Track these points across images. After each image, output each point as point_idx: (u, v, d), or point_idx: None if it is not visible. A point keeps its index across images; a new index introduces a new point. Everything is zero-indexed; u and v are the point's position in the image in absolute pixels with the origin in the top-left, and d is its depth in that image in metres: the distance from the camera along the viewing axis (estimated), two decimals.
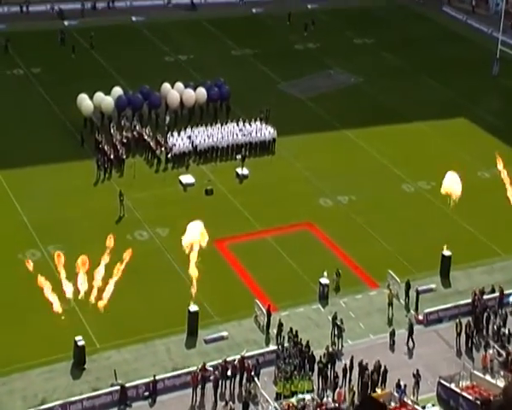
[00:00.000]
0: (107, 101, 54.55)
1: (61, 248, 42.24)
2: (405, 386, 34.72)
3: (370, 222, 47.12)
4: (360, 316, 40.11)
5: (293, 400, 34.50)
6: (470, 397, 34.69)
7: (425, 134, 57.79)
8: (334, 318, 38.60)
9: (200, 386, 34.77)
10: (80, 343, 35.54)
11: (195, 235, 37.21)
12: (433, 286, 42.24)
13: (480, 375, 36.01)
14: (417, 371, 35.47)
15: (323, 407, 34.24)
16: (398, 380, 34.98)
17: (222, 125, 54.21)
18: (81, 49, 67.00)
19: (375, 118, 59.00)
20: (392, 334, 38.51)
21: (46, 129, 54.30)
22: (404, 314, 40.38)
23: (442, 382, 35.48)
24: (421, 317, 39.81)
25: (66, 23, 71.88)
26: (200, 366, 35.05)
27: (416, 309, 40.53)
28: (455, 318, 39.42)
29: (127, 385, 34.33)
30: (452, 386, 35.25)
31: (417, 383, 35.35)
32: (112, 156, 50.30)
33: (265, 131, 54.38)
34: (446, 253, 42.96)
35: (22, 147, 51.70)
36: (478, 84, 65.65)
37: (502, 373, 35.97)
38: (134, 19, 74.61)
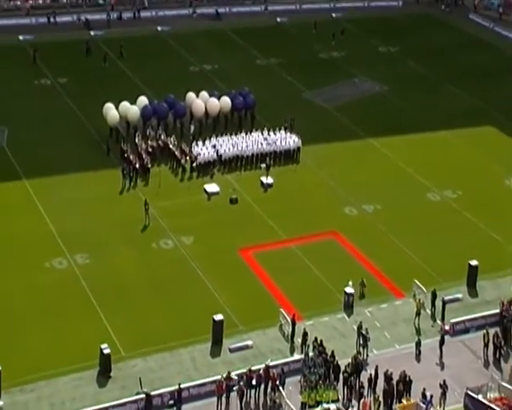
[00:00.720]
0: (132, 110, 54.87)
1: (88, 257, 42.82)
2: (432, 397, 34.46)
3: (396, 231, 46.91)
4: (385, 326, 39.89)
5: (318, 409, 34.36)
6: (498, 409, 34.32)
7: (451, 142, 57.47)
8: (360, 327, 38.42)
9: (224, 395, 34.74)
10: (106, 351, 35.65)
11: None
12: (459, 296, 41.92)
13: (509, 386, 35.64)
14: (444, 381, 35.19)
15: None
16: (424, 390, 34.75)
17: (246, 135, 54.31)
18: (107, 58, 67.41)
19: (399, 126, 58.80)
20: (418, 344, 38.25)
21: (73, 138, 54.70)
22: (431, 324, 40.09)
23: (469, 393, 35.14)
24: (447, 327, 39.50)
25: (92, 33, 72.45)
26: (225, 375, 35.03)
27: (443, 319, 40.23)
28: (482, 328, 39.08)
29: (152, 393, 34.38)
30: (480, 397, 34.90)
31: (444, 394, 35.05)
32: (137, 165, 50.56)
33: (290, 140, 54.38)
34: (473, 262, 42.62)
35: (49, 156, 52.13)
36: (505, 92, 65.22)
37: None
38: (159, 29, 75.05)
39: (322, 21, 77.73)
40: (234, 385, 34.82)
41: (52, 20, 74.87)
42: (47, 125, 56.21)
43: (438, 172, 53.33)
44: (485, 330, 38.45)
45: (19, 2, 76.45)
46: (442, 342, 38.19)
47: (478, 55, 72.56)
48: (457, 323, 39.63)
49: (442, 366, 37.72)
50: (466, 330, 39.67)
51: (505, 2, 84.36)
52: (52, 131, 55.34)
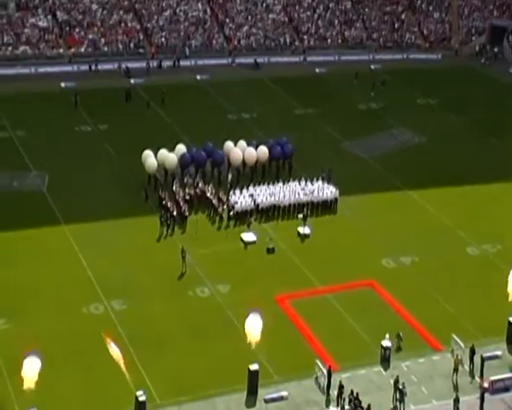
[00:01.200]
0: (170, 158, 55.35)
1: (124, 303, 42.92)
2: None
3: (434, 284, 46.42)
4: (423, 380, 39.29)
5: None
6: None
7: (490, 196, 56.96)
8: (396, 381, 37.88)
9: None
10: (141, 398, 35.53)
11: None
12: (498, 353, 41.15)
13: None
14: None
15: None
16: None
17: (284, 184, 54.42)
18: (147, 106, 68.32)
19: (438, 178, 58.55)
20: (456, 401, 37.54)
21: (112, 185, 55.29)
22: (469, 381, 39.38)
23: None
24: (486, 384, 38.75)
25: (132, 81, 73.56)
26: None
27: (481, 376, 39.50)
28: None
29: None
30: None
31: None
32: (175, 213, 50.85)
33: (327, 191, 54.37)
34: None
35: (88, 202, 52.68)
36: None
37: None
38: (198, 77, 75.99)
39: (361, 73, 78.13)
40: None
41: (93, 67, 76.26)
42: (87, 171, 56.91)
43: (477, 225, 52.84)
44: None
45: (61, 50, 78.05)
46: (482, 400, 37.41)
47: None
48: (497, 381, 38.83)
49: None
50: (506, 389, 38.86)
51: None
52: (92, 178, 56.01)
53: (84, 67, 76.14)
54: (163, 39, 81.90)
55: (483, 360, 39.87)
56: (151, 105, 68.20)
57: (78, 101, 67.31)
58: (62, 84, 71.62)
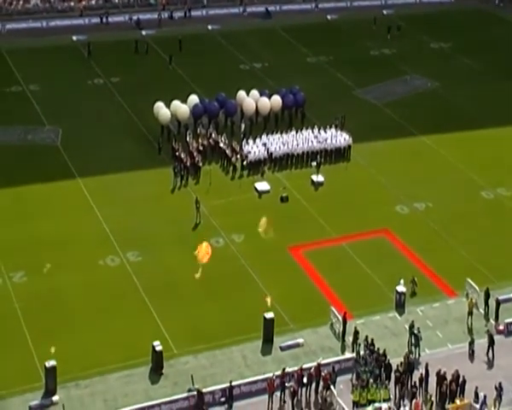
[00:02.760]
0: (183, 109, 55.26)
1: (139, 255, 43.29)
2: (485, 397, 34.03)
3: (448, 229, 46.43)
4: (437, 325, 39.55)
5: (370, 408, 34.24)
6: None
7: (505, 140, 56.59)
8: (411, 326, 38.14)
9: (276, 393, 34.81)
10: (158, 348, 36.04)
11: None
12: None
13: None
14: (500, 384, 34.64)
15: None
16: (476, 388, 34.36)
17: (297, 133, 54.27)
18: (159, 57, 68.10)
19: (452, 123, 58.17)
20: (471, 343, 37.81)
21: (125, 137, 55.36)
22: (484, 324, 39.60)
23: None
24: (501, 327, 38.94)
25: (143, 33, 73.10)
26: (279, 373, 35.08)
27: (496, 319, 39.69)
28: None
29: (204, 390, 34.64)
30: None
31: (500, 396, 34.50)
32: (188, 164, 50.94)
33: (341, 138, 54.19)
34: None
35: (102, 155, 52.85)
36: None
37: None
38: (210, 27, 75.41)
39: (373, 18, 77.23)
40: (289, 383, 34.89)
41: (104, 20, 75.80)
42: (100, 124, 56.98)
43: (491, 169, 52.61)
44: None
45: (72, 3, 77.59)
46: (492, 342, 37.61)
47: None
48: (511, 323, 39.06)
49: (496, 366, 37.18)
50: None
51: None
52: (105, 131, 56.08)
53: (95, 20, 75.71)
54: None
55: (498, 302, 39.97)
56: (162, 57, 67.82)
57: (92, 50, 66.98)
58: (74, 38, 71.32)
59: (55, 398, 34.48)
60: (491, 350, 37.61)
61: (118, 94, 61.55)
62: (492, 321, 39.65)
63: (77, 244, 44.10)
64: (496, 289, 41.08)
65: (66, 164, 51.73)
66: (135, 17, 75.92)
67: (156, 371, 36.05)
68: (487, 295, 40.22)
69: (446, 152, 54.64)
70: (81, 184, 49.61)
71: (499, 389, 34.58)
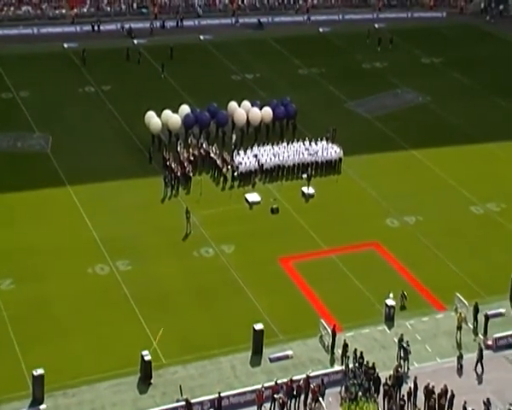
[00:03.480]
0: (174, 118, 55.23)
1: (129, 264, 43.15)
2: None
3: (438, 243, 46.53)
4: (426, 339, 39.54)
5: None
6: None
7: (494, 155, 56.89)
8: (400, 340, 38.15)
9: (265, 404, 34.70)
10: (147, 358, 35.85)
11: None
12: (502, 310, 41.39)
13: None
14: (488, 399, 34.68)
15: None
16: (464, 403, 34.36)
17: (288, 144, 54.33)
18: (150, 66, 68.10)
19: (442, 138, 58.40)
20: (460, 358, 37.86)
21: (115, 146, 55.28)
22: (473, 338, 39.66)
23: None
24: (490, 342, 39.02)
25: (135, 42, 73.11)
26: (268, 385, 35.00)
27: (485, 333, 39.77)
28: None
29: (192, 401, 34.48)
30: None
31: None
32: (179, 174, 50.88)
33: (331, 151, 54.28)
34: None
35: (92, 163, 52.70)
36: None
37: None
38: (202, 37, 75.53)
39: (366, 32, 77.62)
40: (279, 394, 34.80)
41: (96, 28, 75.80)
42: (90, 132, 56.86)
43: (481, 184, 52.81)
44: None
45: (64, 11, 77.55)
46: (481, 357, 37.71)
47: None
48: (500, 338, 39.12)
49: (484, 380, 37.25)
50: (509, 346, 39.15)
51: None
52: (95, 139, 55.96)
53: (87, 28, 75.75)
54: None
55: (487, 317, 40.06)
56: (154, 66, 67.81)
57: (86, 58, 67.03)
58: (65, 45, 71.30)
59: (43, 407, 34.21)
60: (480, 364, 37.63)
61: (109, 102, 61.49)
62: (481, 336, 39.71)
63: (66, 252, 43.91)
64: (485, 303, 41.17)
65: (56, 171, 51.57)
66: (127, 26, 75.99)
67: (145, 381, 35.86)
68: (476, 310, 40.29)
69: (437, 166, 54.82)
70: (71, 191, 49.43)
71: (487, 403, 34.62)
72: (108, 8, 79.04)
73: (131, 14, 79.24)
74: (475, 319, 40.25)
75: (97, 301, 40.45)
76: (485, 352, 38.14)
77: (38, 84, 63.02)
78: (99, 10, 78.64)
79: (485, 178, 53.66)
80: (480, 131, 59.59)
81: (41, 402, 34.32)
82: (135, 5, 79.99)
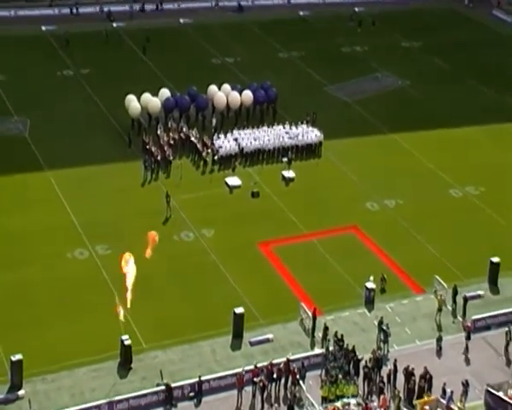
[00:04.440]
0: (154, 102, 54.92)
1: (109, 248, 42.94)
2: (452, 392, 34.32)
3: (417, 227, 46.70)
4: (406, 321, 39.76)
5: (339, 404, 34.33)
6: None
7: (473, 139, 57.12)
8: (380, 322, 38.33)
9: (245, 388, 34.76)
10: (127, 342, 35.78)
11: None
12: (481, 293, 41.70)
13: None
14: (466, 380, 34.98)
15: None
16: (444, 385, 34.62)
17: (268, 128, 54.23)
18: (130, 50, 67.65)
19: (422, 122, 58.50)
20: (439, 340, 38.11)
21: (95, 130, 54.88)
22: (452, 320, 39.92)
23: (490, 390, 34.98)
24: (468, 324, 39.29)
25: (114, 25, 72.50)
26: (249, 368, 35.04)
27: (464, 316, 40.04)
28: (503, 325, 38.92)
29: (173, 385, 34.48)
30: (500, 394, 34.72)
31: (466, 392, 34.84)
32: (159, 157, 50.65)
33: (312, 134, 54.25)
34: (495, 259, 42.36)
35: (71, 147, 52.36)
36: None
37: None
38: (182, 21, 75.08)
39: (346, 15, 77.55)
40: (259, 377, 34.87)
41: (75, 11, 75.08)
42: (69, 116, 56.41)
43: (460, 168, 52.99)
44: (507, 328, 38.23)
45: None
46: (468, 338, 38.03)
47: (501, 51, 72.09)
48: (479, 320, 39.42)
49: (463, 362, 37.54)
50: (487, 327, 39.49)
51: None
52: (74, 123, 55.54)
53: (65, 10, 75.04)
54: None
55: (466, 299, 40.33)
56: (134, 50, 67.35)
57: (69, 39, 66.59)
58: (43, 28, 70.56)
59: (21, 392, 34.08)
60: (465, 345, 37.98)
61: (88, 86, 61.03)
62: (460, 318, 39.98)
63: (45, 237, 43.66)
64: (463, 286, 41.45)
65: (34, 156, 51.20)
66: (106, 9, 75.28)
67: (125, 366, 35.80)
68: (455, 292, 40.57)
69: (416, 150, 54.97)
70: (50, 176, 49.13)
71: (465, 384, 34.91)
72: None
73: None
74: (454, 301, 40.53)
75: (77, 286, 40.26)
76: (463, 334, 38.43)
77: (16, 68, 62.39)
78: None
79: (465, 162, 53.86)
80: (460, 116, 59.74)
81: (19, 388, 34.18)
82: None
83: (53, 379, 34.84)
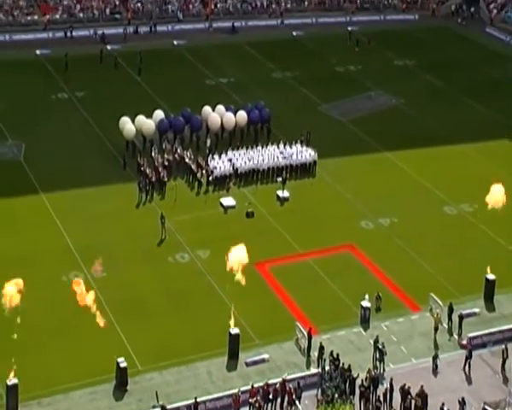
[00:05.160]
0: (148, 124, 55.10)
1: (104, 271, 42.88)
2: None
3: (412, 244, 46.77)
4: (402, 340, 39.73)
5: None
6: None
7: (467, 156, 57.31)
8: (376, 341, 38.30)
9: (241, 409, 34.70)
10: (122, 365, 35.72)
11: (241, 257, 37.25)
12: (476, 310, 41.71)
13: None
14: (463, 398, 34.92)
15: None
16: (442, 404, 34.54)
17: (262, 148, 54.38)
18: (124, 72, 67.94)
19: (416, 140, 58.68)
20: (435, 358, 38.06)
21: (89, 152, 55.01)
22: (447, 338, 39.90)
23: (487, 408, 34.92)
24: (464, 341, 39.25)
25: (108, 47, 72.82)
26: (245, 389, 34.98)
27: (460, 334, 40.01)
28: (499, 342, 38.91)
29: (169, 407, 34.37)
30: None
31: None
32: (153, 179, 50.75)
33: (306, 154, 54.42)
34: (490, 276, 42.40)
35: (66, 170, 52.43)
36: None
37: None
38: (176, 43, 75.44)
39: (339, 35, 78.02)
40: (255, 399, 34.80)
41: (69, 34, 75.44)
42: (64, 139, 56.55)
43: (454, 185, 53.14)
44: (503, 346, 38.20)
45: (36, 17, 77.11)
46: (470, 357, 37.95)
47: (495, 68, 72.55)
48: (475, 337, 39.37)
49: (459, 380, 37.48)
50: (483, 345, 39.44)
51: None
52: (69, 146, 55.67)
53: (60, 34, 75.34)
54: (139, 4, 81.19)
55: (462, 317, 40.32)
56: (128, 72, 67.62)
57: (68, 62, 66.86)
58: (38, 52, 70.87)
59: None
60: (467, 364, 37.91)
61: (82, 109, 61.23)
62: (456, 336, 39.96)
63: (40, 260, 43.64)
64: (459, 303, 41.45)
65: (29, 179, 51.24)
66: (100, 32, 75.66)
67: (120, 388, 35.72)
68: (451, 310, 40.56)
69: (410, 168, 55.14)
70: (44, 199, 49.15)
71: (462, 403, 34.86)
72: (81, 15, 78.70)
73: (104, 19, 78.90)
74: (450, 319, 40.51)
75: (72, 309, 40.05)
76: (459, 352, 38.41)
77: (11, 92, 62.53)
78: (71, 16, 78.29)
79: (459, 180, 53.99)
80: (453, 133, 59.98)
81: None
82: (108, 11, 79.67)
83: (49, 403, 34.74)
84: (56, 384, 35.48)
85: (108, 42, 73.96)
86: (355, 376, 36.05)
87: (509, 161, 56.51)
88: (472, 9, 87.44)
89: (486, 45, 78.81)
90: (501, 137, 59.70)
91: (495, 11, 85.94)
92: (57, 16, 78.08)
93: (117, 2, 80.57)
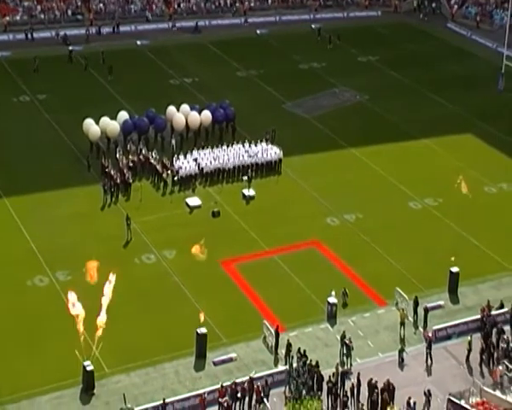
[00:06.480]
0: (112, 125, 54.80)
1: (69, 274, 42.62)
2: (415, 403, 34.55)
3: (377, 240, 47.04)
4: (368, 334, 39.98)
5: None
6: None
7: (431, 151, 57.78)
8: (343, 337, 38.49)
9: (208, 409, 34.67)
10: (89, 368, 35.50)
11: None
12: (441, 303, 42.10)
13: (490, 391, 35.76)
14: (428, 390, 35.25)
15: None
16: (409, 398, 34.81)
17: (228, 147, 54.35)
18: (86, 73, 67.51)
19: (380, 135, 59.05)
20: (401, 352, 38.35)
21: (53, 155, 54.57)
22: (413, 332, 40.21)
23: (452, 399, 35.25)
24: (429, 334, 39.59)
25: (70, 48, 72.14)
26: (213, 388, 34.96)
27: (425, 326, 40.35)
28: (464, 334, 39.30)
29: (136, 409, 34.22)
30: (462, 403, 34.99)
31: (428, 402, 35.11)
32: (118, 181, 50.48)
33: (271, 152, 54.48)
34: (454, 269, 42.81)
35: (29, 173, 51.97)
36: (484, 100, 65.75)
37: None
38: (139, 43, 75.12)
39: (303, 33, 78.18)
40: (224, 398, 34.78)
41: (30, 36, 74.71)
42: (27, 142, 56.02)
43: (419, 180, 53.52)
44: (469, 337, 38.59)
45: None
46: (429, 348, 38.26)
47: (456, 63, 73.20)
48: (439, 330, 39.75)
49: (425, 372, 37.80)
50: (448, 337, 39.82)
51: (482, 11, 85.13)
52: (32, 148, 55.17)
53: (20, 36, 74.57)
54: (101, 5, 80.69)
55: (427, 310, 40.67)
56: (91, 73, 67.25)
57: (38, 65, 66.21)
58: None
59: None
60: (429, 356, 38.20)
61: (45, 111, 60.70)
62: (421, 328, 40.28)
63: (3, 265, 43.21)
64: (424, 297, 41.80)
65: None
66: (62, 33, 75.04)
67: (87, 392, 35.49)
68: (416, 304, 40.87)
69: (375, 164, 55.44)
70: (7, 202, 48.66)
71: (428, 394, 35.17)
72: (42, 16, 78.00)
73: (66, 21, 78.27)
74: (415, 312, 40.82)
75: (37, 313, 39.88)
76: (424, 344, 38.71)
77: None
78: (32, 18, 77.55)
79: (423, 174, 54.41)
80: (417, 128, 60.45)
81: None
82: (69, 12, 79.05)
83: (14, 409, 34.35)
84: (22, 390, 35.12)
85: (70, 43, 73.32)
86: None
87: (472, 155, 57.08)
88: (433, 5, 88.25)
89: (448, 40, 79.47)
90: (464, 132, 60.26)
91: (456, 7, 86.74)
92: (17, 17, 77.31)
93: (79, 3, 79.95)
